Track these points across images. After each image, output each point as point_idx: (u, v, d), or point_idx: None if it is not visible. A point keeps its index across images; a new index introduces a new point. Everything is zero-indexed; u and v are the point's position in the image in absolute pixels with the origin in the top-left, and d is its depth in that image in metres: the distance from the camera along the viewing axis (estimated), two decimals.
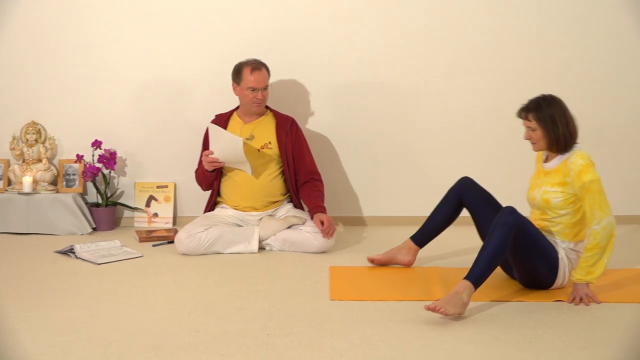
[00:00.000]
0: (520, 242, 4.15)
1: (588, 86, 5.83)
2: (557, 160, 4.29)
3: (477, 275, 4.01)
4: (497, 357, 3.49)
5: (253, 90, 5.21)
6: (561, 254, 4.27)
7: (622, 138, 5.91)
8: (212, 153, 5.13)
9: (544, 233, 4.30)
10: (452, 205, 4.69)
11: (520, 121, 4.37)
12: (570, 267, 4.29)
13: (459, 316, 3.93)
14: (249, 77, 5.19)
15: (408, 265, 4.78)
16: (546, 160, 4.39)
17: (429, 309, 3.89)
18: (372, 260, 4.81)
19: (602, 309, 4.09)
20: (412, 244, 4.78)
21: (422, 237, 4.78)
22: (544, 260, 4.23)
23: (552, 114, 4.21)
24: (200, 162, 5.31)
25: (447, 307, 3.88)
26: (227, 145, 5.10)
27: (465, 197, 4.64)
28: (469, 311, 4.02)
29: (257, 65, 5.22)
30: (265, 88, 5.25)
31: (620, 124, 5.90)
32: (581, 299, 4.16)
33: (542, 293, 4.28)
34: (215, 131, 5.13)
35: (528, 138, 4.31)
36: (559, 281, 4.30)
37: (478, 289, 4.04)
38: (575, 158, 4.20)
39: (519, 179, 5.79)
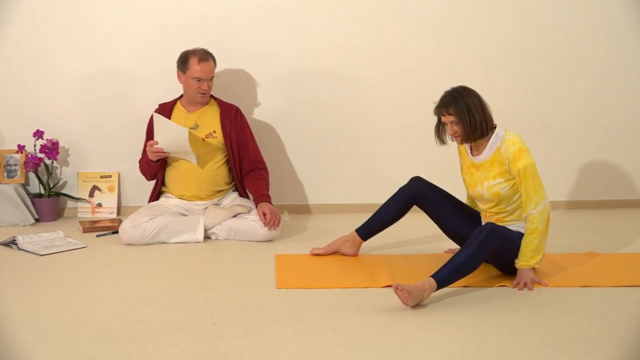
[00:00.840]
0: (497, 253, 4.27)
1: (533, 75, 5.89)
2: (489, 151, 4.31)
3: (443, 279, 4.02)
4: (441, 342, 3.52)
5: (199, 80, 5.18)
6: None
7: (564, 125, 5.97)
8: (156, 143, 5.10)
9: (505, 225, 4.35)
10: (402, 204, 4.68)
11: None
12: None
13: (415, 303, 3.96)
14: (195, 67, 5.16)
15: (354, 256, 4.80)
16: (473, 153, 4.41)
17: (396, 288, 3.89)
18: (316, 254, 4.82)
19: (543, 293, 4.14)
20: (356, 236, 4.78)
21: (368, 231, 4.77)
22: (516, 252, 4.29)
23: (467, 103, 4.22)
24: (145, 151, 5.28)
25: (409, 298, 3.90)
26: (171, 136, 5.07)
27: (420, 198, 4.62)
28: None
29: (205, 56, 5.19)
30: (211, 79, 5.23)
31: (564, 111, 5.96)
32: (525, 283, 4.22)
33: (486, 279, 4.32)
34: (160, 121, 5.09)
35: (452, 133, 4.30)
36: None
37: (418, 275, 4.11)
38: (507, 145, 4.24)
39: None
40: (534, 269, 4.28)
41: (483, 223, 4.49)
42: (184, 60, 5.22)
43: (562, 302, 4.03)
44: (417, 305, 3.94)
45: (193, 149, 5.11)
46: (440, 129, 4.37)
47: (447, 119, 4.27)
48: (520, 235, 4.30)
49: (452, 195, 4.63)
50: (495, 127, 4.31)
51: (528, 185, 4.20)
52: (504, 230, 4.23)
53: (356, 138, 5.91)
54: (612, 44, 5.91)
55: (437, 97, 5.79)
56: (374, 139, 5.92)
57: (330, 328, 3.67)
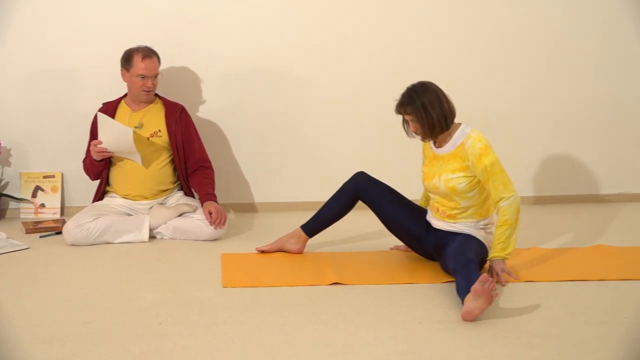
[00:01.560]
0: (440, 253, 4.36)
1: (486, 70, 5.95)
2: (452, 145, 4.34)
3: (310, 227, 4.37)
4: (387, 338, 3.54)
5: (143, 77, 5.14)
6: (481, 234, 4.37)
7: (522, 122, 6.03)
8: (100, 143, 5.05)
9: (454, 222, 4.38)
10: (346, 200, 4.70)
11: None
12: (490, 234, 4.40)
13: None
14: (139, 65, 5.12)
15: (299, 253, 4.80)
16: (437, 145, 4.44)
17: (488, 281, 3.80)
18: (261, 251, 4.82)
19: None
20: (302, 233, 4.78)
21: (313, 227, 4.77)
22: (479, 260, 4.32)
23: (423, 102, 4.24)
24: (88, 151, 5.22)
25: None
26: (116, 136, 5.03)
27: (364, 194, 4.64)
28: (360, 293, 4.07)
29: (149, 53, 5.16)
30: (156, 76, 5.20)
31: (517, 106, 6.02)
32: (497, 274, 4.25)
33: (431, 275, 4.35)
34: (104, 121, 5.05)
35: (414, 130, 4.35)
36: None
37: (364, 272, 4.22)
38: (473, 142, 4.26)
39: (409, 166, 5.89)
40: (504, 260, 4.30)
41: (432, 218, 4.51)
42: (127, 58, 5.17)
43: (507, 297, 4.07)
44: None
45: (138, 149, 5.08)
46: (405, 126, 4.42)
47: (407, 117, 4.33)
48: (479, 245, 4.34)
49: (396, 191, 4.65)
50: (460, 124, 4.35)
51: (497, 180, 4.23)
52: (470, 253, 4.22)
53: (301, 136, 5.91)
54: (580, 37, 5.99)
55: (381, 95, 5.87)
56: (318, 137, 5.93)
57: (277, 326, 3.66)
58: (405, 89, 4.33)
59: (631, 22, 5.96)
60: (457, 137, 4.33)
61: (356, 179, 4.69)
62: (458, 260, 4.10)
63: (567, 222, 5.58)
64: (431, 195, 4.50)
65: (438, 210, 4.46)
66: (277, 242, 4.80)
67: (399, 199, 4.62)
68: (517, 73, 6.01)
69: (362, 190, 4.64)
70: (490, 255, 4.30)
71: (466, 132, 4.32)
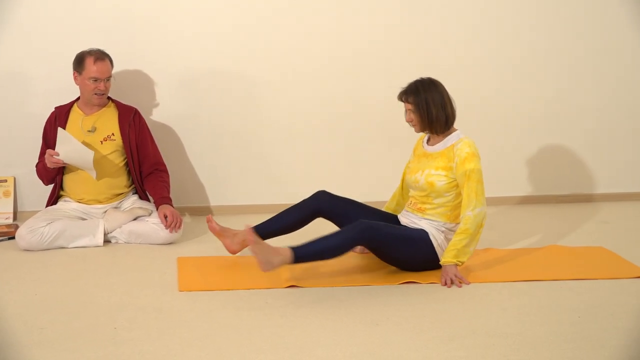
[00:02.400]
0: (384, 250, 4.35)
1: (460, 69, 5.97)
2: (442, 145, 4.41)
3: (302, 257, 4.15)
4: (344, 340, 3.54)
5: (95, 80, 5.11)
6: (441, 237, 4.39)
7: (495, 123, 6.08)
8: (57, 154, 5.00)
9: (422, 217, 4.41)
10: (304, 217, 4.64)
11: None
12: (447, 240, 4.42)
13: (265, 267, 4.09)
14: (91, 67, 5.09)
15: (231, 252, 4.69)
16: (429, 142, 4.51)
17: (251, 242, 4.08)
18: (209, 220, 4.70)
19: (444, 289, 4.21)
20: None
21: (262, 232, 4.54)
22: (417, 250, 4.33)
23: (427, 97, 4.34)
24: (42, 155, 5.18)
25: (261, 254, 4.07)
26: (75, 154, 5.00)
27: (326, 213, 4.61)
28: (316, 295, 4.07)
29: (100, 56, 5.12)
30: (108, 79, 5.16)
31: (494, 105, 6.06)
32: (452, 280, 4.27)
33: (391, 276, 4.36)
34: (64, 137, 5.00)
35: (409, 120, 4.43)
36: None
37: (320, 275, 4.22)
38: (462, 145, 4.33)
39: (362, 169, 5.93)
40: (456, 266, 4.32)
41: (402, 214, 4.54)
42: (79, 61, 5.14)
43: (463, 297, 4.10)
44: (267, 267, 4.07)
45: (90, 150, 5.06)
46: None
47: (406, 106, 4.41)
48: (409, 233, 4.36)
49: (362, 203, 4.66)
50: (457, 129, 4.43)
51: (471, 188, 4.27)
52: (384, 229, 4.29)
53: (256, 139, 5.90)
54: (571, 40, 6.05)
55: (336, 98, 5.89)
56: (273, 140, 5.92)
57: (233, 329, 3.66)
58: (414, 79, 4.42)
59: (615, 19, 6.04)
60: (449, 139, 4.41)
61: (316, 199, 4.64)
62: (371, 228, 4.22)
63: (524, 223, 5.63)
64: (410, 189, 4.56)
65: (410, 203, 4.52)
66: (225, 232, 4.70)
67: (366, 209, 4.62)
68: (497, 73, 6.07)
69: (323, 211, 4.61)
70: (442, 259, 4.32)
71: (459, 137, 4.40)
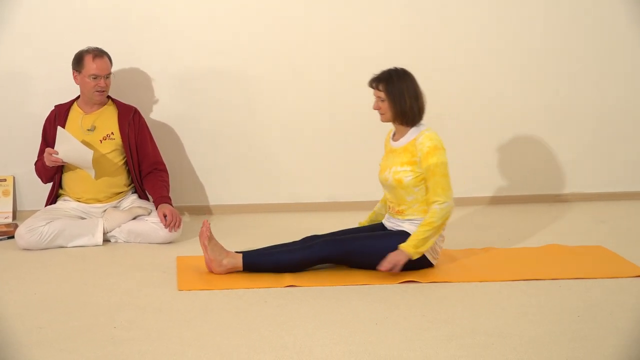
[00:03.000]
0: (359, 259, 4.41)
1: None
2: (405, 139, 4.38)
3: (251, 265, 4.36)
4: (343, 339, 3.54)
5: (95, 78, 5.10)
6: (429, 250, 4.39)
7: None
8: (56, 153, 5.00)
9: (404, 219, 4.41)
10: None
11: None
12: (438, 242, 4.41)
13: (214, 267, 4.32)
14: (91, 65, 5.09)
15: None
16: (394, 137, 4.48)
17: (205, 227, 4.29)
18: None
19: (443, 288, 4.21)
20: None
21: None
22: (395, 243, 4.33)
23: (401, 87, 4.31)
24: (41, 154, 5.18)
25: (213, 253, 4.31)
26: (74, 153, 5.00)
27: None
28: (315, 295, 4.07)
29: (99, 53, 5.13)
30: (108, 76, 5.16)
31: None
32: (388, 262, 4.27)
33: (390, 276, 4.35)
34: (64, 136, 4.99)
35: (377, 108, 4.40)
36: (435, 257, 4.44)
37: (319, 274, 4.29)
38: (424, 139, 4.30)
39: (361, 169, 5.92)
40: (405, 256, 4.29)
41: (385, 219, 4.55)
42: (78, 60, 5.14)
43: (462, 297, 4.10)
44: (216, 268, 4.33)
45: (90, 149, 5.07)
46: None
47: (377, 93, 4.37)
48: (388, 239, 4.38)
49: (348, 230, 4.65)
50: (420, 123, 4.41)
51: (437, 182, 4.26)
52: (348, 240, 4.37)
53: (255, 138, 5.90)
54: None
55: (334, 97, 5.89)
56: (273, 140, 5.92)
57: (232, 329, 3.66)
58: (387, 68, 4.38)
59: (616, 21, 6.04)
60: (412, 133, 4.38)
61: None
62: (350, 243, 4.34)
63: (522, 222, 5.63)
64: (384, 190, 4.55)
65: (390, 209, 4.52)
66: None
67: (354, 231, 4.62)
68: (499, 74, 6.06)
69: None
70: (402, 244, 4.29)
71: (420, 130, 4.36)
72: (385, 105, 4.35)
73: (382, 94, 4.34)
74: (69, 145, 5.00)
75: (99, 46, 5.19)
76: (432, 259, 4.43)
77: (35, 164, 5.29)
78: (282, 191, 5.94)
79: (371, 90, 4.41)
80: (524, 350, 3.44)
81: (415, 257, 4.29)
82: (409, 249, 4.27)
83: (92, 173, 5.09)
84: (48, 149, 5.03)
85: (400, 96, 4.31)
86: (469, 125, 6.04)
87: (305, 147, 5.94)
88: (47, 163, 5.05)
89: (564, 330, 3.64)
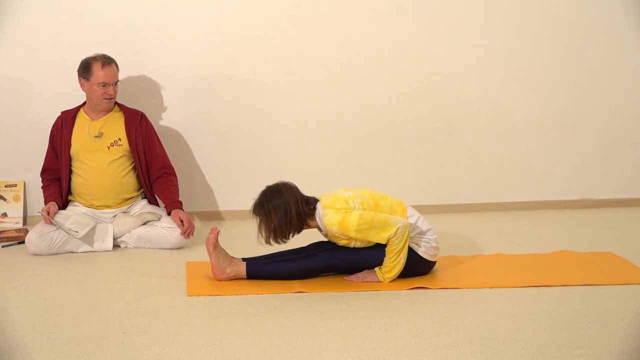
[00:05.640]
0: (364, 268, 4.41)
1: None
2: (323, 228, 4.35)
3: (255, 274, 4.38)
4: (353, 346, 3.54)
5: (104, 85, 5.11)
6: (421, 249, 4.39)
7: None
8: (54, 212, 5.00)
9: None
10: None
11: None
12: (431, 240, 4.40)
13: (218, 274, 4.36)
14: (99, 72, 5.09)
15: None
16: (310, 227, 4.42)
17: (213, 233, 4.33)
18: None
19: (453, 295, 4.20)
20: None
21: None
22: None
23: (268, 208, 4.25)
24: (47, 161, 5.27)
25: (217, 260, 4.36)
26: (71, 223, 5.01)
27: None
28: (325, 301, 4.07)
29: (107, 61, 5.13)
30: (116, 83, 5.17)
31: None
32: (359, 277, 4.34)
33: (399, 282, 4.35)
34: (65, 216, 5.01)
35: (261, 232, 4.33)
36: (431, 254, 4.43)
37: (328, 280, 4.30)
38: (328, 226, 4.28)
39: (371, 173, 5.92)
40: (377, 276, 4.35)
41: None
42: (86, 68, 5.13)
43: (471, 303, 4.09)
44: (220, 275, 4.36)
45: (98, 158, 5.12)
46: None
47: (255, 219, 4.34)
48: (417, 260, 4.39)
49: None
50: (317, 202, 4.36)
51: (375, 234, 4.24)
52: (346, 249, 4.37)
53: (264, 143, 5.90)
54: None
55: (345, 102, 5.89)
56: (282, 144, 5.92)
57: (242, 334, 3.65)
58: (262, 190, 4.35)
59: (623, 25, 6.03)
60: (319, 221, 4.33)
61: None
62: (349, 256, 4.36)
63: (531, 228, 5.62)
64: None
65: None
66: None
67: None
68: (506, 79, 6.06)
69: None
70: (378, 269, 4.33)
71: (319, 214, 4.32)
72: (263, 229, 4.31)
73: (258, 219, 4.31)
74: (62, 224, 4.97)
75: (106, 52, 5.20)
76: (430, 257, 4.41)
77: (43, 187, 5.28)
78: None
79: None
80: (534, 356, 3.43)
81: (386, 281, 4.32)
82: (379, 274, 4.33)
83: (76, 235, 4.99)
84: (49, 209, 5.00)
85: (266, 216, 4.26)
86: (478, 131, 6.04)
87: (314, 152, 5.94)
88: (42, 212, 5.02)
89: (575, 337, 3.63)
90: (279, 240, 4.33)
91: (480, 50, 5.96)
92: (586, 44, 6.05)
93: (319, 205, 4.34)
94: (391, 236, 4.22)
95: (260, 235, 4.33)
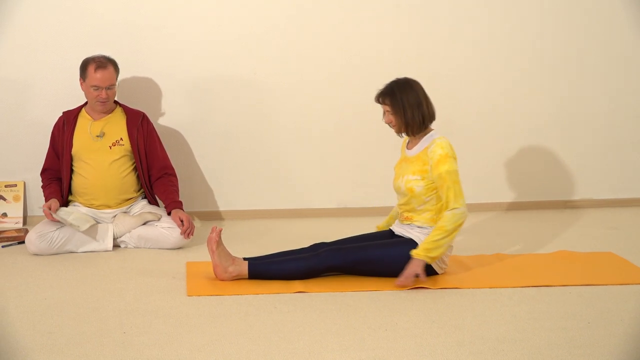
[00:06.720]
0: (367, 268, 4.40)
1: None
2: (418, 148, 4.40)
3: (256, 274, 4.37)
4: (353, 346, 3.54)
5: (97, 88, 5.10)
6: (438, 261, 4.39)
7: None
8: (56, 210, 5.00)
9: (411, 224, 4.42)
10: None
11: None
12: (447, 251, 4.40)
13: (220, 273, 4.34)
14: (93, 75, 5.07)
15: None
16: (408, 145, 4.50)
17: (215, 232, 4.32)
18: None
19: (453, 294, 4.20)
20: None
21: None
22: (406, 260, 4.31)
23: (402, 98, 4.33)
24: (47, 161, 5.27)
25: (219, 259, 4.33)
26: (72, 220, 5.01)
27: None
28: (325, 301, 4.07)
29: (102, 64, 5.10)
30: (111, 87, 5.14)
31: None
32: (409, 275, 4.26)
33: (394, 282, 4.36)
34: (65, 213, 5.01)
35: (388, 122, 4.42)
36: (439, 268, 4.43)
37: (328, 280, 4.28)
38: (435, 147, 4.31)
39: (371, 174, 5.92)
40: (423, 262, 4.28)
41: (395, 225, 4.56)
42: (83, 68, 5.13)
43: (471, 303, 4.09)
44: (223, 274, 4.34)
45: (100, 158, 5.11)
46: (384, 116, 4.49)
47: (384, 107, 4.40)
48: (396, 245, 4.39)
49: (355, 236, 4.63)
50: (432, 129, 4.42)
51: (449, 189, 4.26)
52: (352, 248, 4.39)
53: (265, 143, 5.90)
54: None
55: (345, 102, 5.89)
56: (282, 145, 5.92)
57: (242, 335, 3.65)
58: (390, 80, 4.41)
59: (621, 25, 6.04)
60: (424, 141, 4.39)
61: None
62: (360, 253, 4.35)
63: (532, 228, 5.62)
64: (397, 196, 4.55)
65: (400, 214, 4.55)
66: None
67: (360, 238, 4.60)
68: (504, 79, 6.07)
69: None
70: (413, 251, 4.30)
71: (433, 137, 4.37)
72: (393, 119, 4.38)
73: (388, 108, 4.38)
74: (65, 218, 4.98)
75: (107, 52, 5.20)
76: (438, 269, 4.43)
77: (43, 187, 5.27)
78: (292, 197, 5.94)
79: None
80: (534, 356, 3.43)
81: (429, 261, 4.29)
82: (420, 255, 4.27)
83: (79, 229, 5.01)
84: (51, 205, 5.01)
85: (403, 107, 4.33)
86: (478, 131, 6.04)
87: (315, 153, 5.94)
88: (44, 207, 5.03)
89: (575, 337, 3.63)
90: (400, 134, 4.46)
91: (480, 50, 5.97)
92: (586, 44, 6.05)
93: (434, 131, 4.42)
94: (456, 208, 4.24)
95: (389, 124, 4.43)
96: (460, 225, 4.29)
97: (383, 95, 4.39)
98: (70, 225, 4.93)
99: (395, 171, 4.56)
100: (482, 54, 5.98)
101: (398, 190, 4.48)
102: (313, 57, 5.84)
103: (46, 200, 5.15)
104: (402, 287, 4.27)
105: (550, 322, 3.81)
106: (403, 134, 4.47)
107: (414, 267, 4.27)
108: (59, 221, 4.97)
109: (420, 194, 4.34)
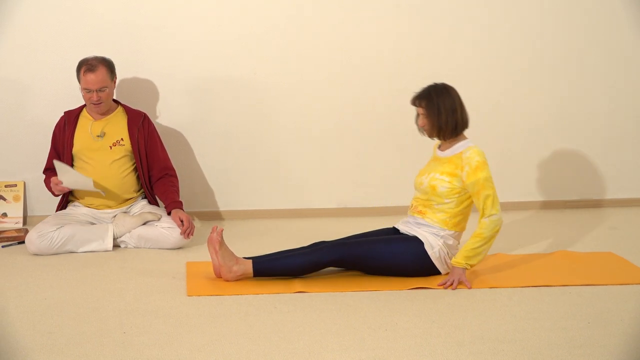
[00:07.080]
0: (368, 263, 4.41)
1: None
2: (452, 151, 4.43)
3: (261, 271, 4.36)
4: (353, 346, 3.54)
5: (88, 91, 5.09)
6: (439, 243, 4.39)
7: (497, 127, 6.05)
8: (61, 183, 5.01)
9: (423, 220, 4.43)
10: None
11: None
12: (451, 254, 4.41)
13: (224, 273, 4.34)
14: (83, 78, 5.06)
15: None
16: (440, 148, 4.52)
17: (216, 232, 4.34)
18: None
19: (453, 294, 4.20)
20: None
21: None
22: (409, 257, 4.32)
23: (439, 102, 4.36)
24: (50, 161, 5.21)
25: (224, 259, 4.33)
26: (77, 181, 5.01)
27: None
28: (325, 301, 4.07)
29: (92, 67, 5.07)
30: (102, 89, 5.11)
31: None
32: (452, 282, 4.29)
33: (399, 282, 4.35)
34: (62, 167, 4.99)
35: (421, 125, 4.44)
36: (442, 268, 4.44)
37: (328, 280, 4.26)
38: (472, 154, 4.34)
39: (371, 174, 5.92)
40: (464, 270, 4.34)
41: (401, 222, 4.55)
42: (77, 70, 5.13)
43: (471, 303, 4.09)
44: (228, 275, 4.34)
45: (100, 157, 5.07)
46: (416, 119, 4.50)
47: (419, 110, 4.43)
48: (402, 242, 4.40)
49: (357, 235, 4.64)
50: (467, 137, 4.46)
51: (487, 197, 4.30)
52: (354, 243, 4.40)
53: (265, 144, 5.90)
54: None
55: (344, 103, 5.89)
56: (283, 145, 5.92)
57: (242, 335, 3.65)
58: (428, 85, 4.45)
59: (623, 25, 6.04)
60: (459, 146, 4.42)
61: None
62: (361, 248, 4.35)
63: (532, 228, 5.62)
64: (415, 192, 4.55)
65: (412, 206, 4.55)
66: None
67: (363, 236, 4.61)
68: (506, 79, 6.08)
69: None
70: (453, 260, 4.34)
71: (468, 144, 4.41)
72: (426, 122, 4.41)
73: (423, 111, 4.41)
74: (69, 176, 4.99)
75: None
76: (442, 270, 4.43)
77: (44, 171, 5.29)
78: (292, 197, 5.94)
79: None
80: (534, 356, 3.43)
81: (470, 268, 4.35)
82: (460, 263, 4.32)
83: (102, 192, 5.09)
84: (53, 179, 5.03)
85: (438, 112, 4.36)
86: (479, 131, 6.02)
87: (315, 153, 5.94)
88: (55, 192, 5.06)
89: (575, 337, 3.63)
90: (432, 137, 4.48)
91: (480, 50, 5.97)
92: (586, 44, 6.06)
93: (469, 140, 4.46)
94: (493, 214, 4.29)
95: (421, 129, 4.46)
96: (497, 232, 4.33)
97: (420, 98, 4.42)
98: (80, 180, 5.01)
99: (422, 169, 4.58)
100: (482, 54, 5.98)
101: (419, 187, 4.49)
102: (313, 57, 5.84)
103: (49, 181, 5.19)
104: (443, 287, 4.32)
105: (550, 322, 3.81)
106: (435, 138, 4.50)
107: (455, 276, 4.32)
108: (68, 189, 5.06)
109: (442, 193, 4.36)
